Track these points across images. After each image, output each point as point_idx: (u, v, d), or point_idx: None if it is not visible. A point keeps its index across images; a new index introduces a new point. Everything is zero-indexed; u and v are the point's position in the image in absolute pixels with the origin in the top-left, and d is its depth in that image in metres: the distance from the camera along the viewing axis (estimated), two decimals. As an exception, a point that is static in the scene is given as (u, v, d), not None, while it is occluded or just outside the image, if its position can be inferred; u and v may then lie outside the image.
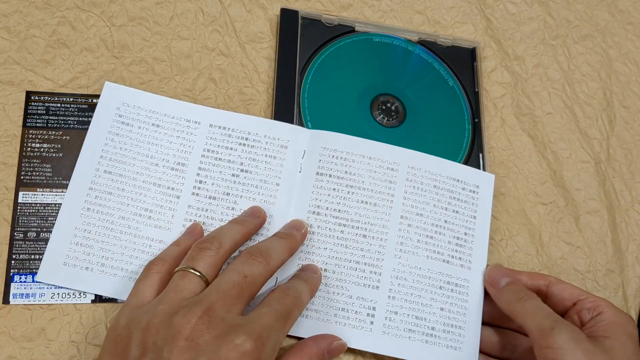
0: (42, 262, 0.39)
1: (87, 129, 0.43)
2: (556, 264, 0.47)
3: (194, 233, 0.40)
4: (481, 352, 0.41)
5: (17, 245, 0.39)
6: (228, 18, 0.49)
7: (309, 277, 0.39)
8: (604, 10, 0.58)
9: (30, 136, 0.42)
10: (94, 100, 0.44)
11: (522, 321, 0.37)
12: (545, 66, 0.54)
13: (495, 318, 0.42)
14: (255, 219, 0.40)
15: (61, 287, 0.39)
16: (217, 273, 0.36)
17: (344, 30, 0.50)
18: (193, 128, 0.43)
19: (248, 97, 0.47)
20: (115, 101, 0.43)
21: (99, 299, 0.39)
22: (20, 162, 0.41)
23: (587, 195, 0.50)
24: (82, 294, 0.39)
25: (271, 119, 0.46)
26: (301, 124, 0.46)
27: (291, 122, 0.45)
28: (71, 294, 0.39)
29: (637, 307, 0.47)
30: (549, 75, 0.54)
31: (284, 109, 0.46)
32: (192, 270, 0.34)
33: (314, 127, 0.46)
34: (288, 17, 0.49)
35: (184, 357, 0.30)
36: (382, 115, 0.48)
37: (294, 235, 0.40)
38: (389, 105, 0.49)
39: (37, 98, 0.43)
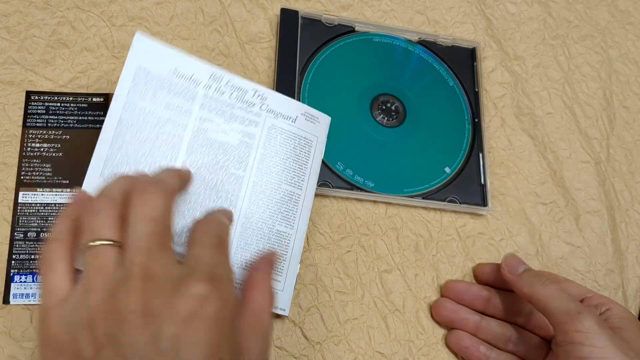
0: None
1: (88, 128, 0.43)
2: (556, 264, 0.47)
3: (82, 201, 0.33)
4: (484, 341, 0.42)
5: (17, 245, 0.39)
6: (228, 18, 0.49)
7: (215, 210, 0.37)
8: (604, 10, 0.58)
9: (30, 136, 0.42)
10: (94, 99, 0.44)
11: (545, 303, 0.38)
12: (545, 66, 0.54)
13: (508, 312, 0.43)
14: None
15: None
16: (124, 229, 0.31)
17: (344, 30, 0.50)
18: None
19: (248, 97, 0.47)
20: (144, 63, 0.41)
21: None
22: (20, 162, 0.41)
23: (587, 195, 0.50)
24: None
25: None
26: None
27: (291, 122, 0.45)
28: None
29: (637, 307, 0.47)
30: (549, 75, 0.54)
31: (284, 109, 0.46)
32: (101, 242, 0.29)
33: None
34: (288, 17, 0.49)
35: (145, 334, 0.27)
36: (382, 115, 0.48)
37: (174, 167, 0.37)
38: (389, 105, 0.49)
39: (37, 98, 0.43)
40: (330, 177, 0.45)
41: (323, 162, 0.45)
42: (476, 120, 0.50)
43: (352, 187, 0.45)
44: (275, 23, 0.50)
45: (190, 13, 0.48)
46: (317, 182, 0.44)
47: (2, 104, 0.43)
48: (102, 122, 0.43)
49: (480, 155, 0.48)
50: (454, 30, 0.54)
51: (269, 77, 0.48)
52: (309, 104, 0.47)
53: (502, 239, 0.47)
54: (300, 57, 0.48)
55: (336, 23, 0.50)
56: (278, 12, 0.49)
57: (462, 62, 0.52)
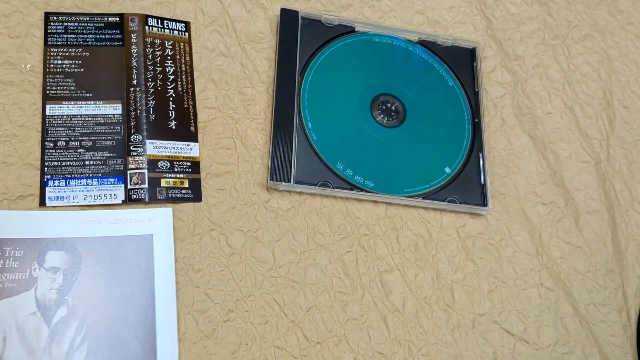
0: None
1: (106, 45, 0.45)
2: (556, 264, 0.47)
3: None
4: None
5: (49, 154, 0.42)
6: (228, 18, 0.49)
7: None
8: (604, 10, 0.58)
9: (52, 54, 0.44)
10: (110, 19, 0.46)
11: None
12: (545, 66, 0.54)
13: None
14: None
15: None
16: None
17: (344, 30, 0.50)
18: None
19: (248, 98, 0.47)
20: None
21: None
22: (44, 78, 0.43)
23: (587, 195, 0.50)
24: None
25: (271, 119, 0.46)
26: (301, 124, 0.46)
27: (291, 122, 0.45)
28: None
29: (637, 307, 0.47)
30: (549, 75, 0.54)
31: (284, 109, 0.46)
32: None
33: (314, 127, 0.46)
34: (288, 17, 0.49)
35: None
36: (382, 115, 0.48)
37: None
38: (389, 105, 0.49)
39: (55, 18, 0.45)
40: (330, 177, 0.45)
41: (323, 162, 0.45)
42: (476, 120, 0.50)
43: (352, 187, 0.45)
44: (275, 23, 0.50)
45: (190, 13, 0.48)
46: (317, 183, 0.44)
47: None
48: (119, 39, 0.46)
49: (480, 155, 0.48)
50: (454, 30, 0.54)
51: (269, 77, 0.48)
52: (309, 105, 0.47)
53: (502, 239, 0.47)
54: (300, 57, 0.48)
55: (336, 23, 0.50)
56: (278, 12, 0.49)
57: (462, 62, 0.52)
